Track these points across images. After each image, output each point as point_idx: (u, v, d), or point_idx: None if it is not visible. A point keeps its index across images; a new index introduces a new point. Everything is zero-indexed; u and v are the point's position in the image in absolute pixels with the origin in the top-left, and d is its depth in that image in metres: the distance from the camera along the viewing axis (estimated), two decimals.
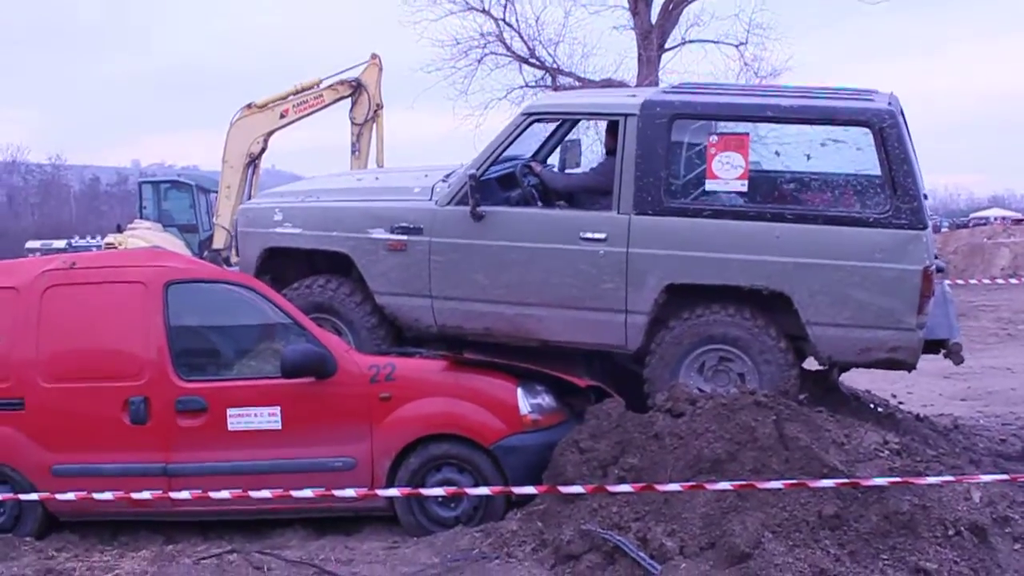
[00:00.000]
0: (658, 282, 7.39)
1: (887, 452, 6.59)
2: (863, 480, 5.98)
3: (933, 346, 7.54)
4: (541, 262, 7.60)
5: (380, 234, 7.92)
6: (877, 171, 7.21)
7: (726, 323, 7.34)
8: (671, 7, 27.93)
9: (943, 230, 48.20)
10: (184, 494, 6.61)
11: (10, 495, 7.34)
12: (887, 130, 7.09)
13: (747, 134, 7.47)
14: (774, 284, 7.21)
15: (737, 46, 28.16)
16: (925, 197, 7.40)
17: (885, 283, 7.07)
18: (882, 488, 5.91)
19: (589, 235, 7.51)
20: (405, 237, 7.86)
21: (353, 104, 18.49)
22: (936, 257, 7.55)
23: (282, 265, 8.29)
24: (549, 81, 28.51)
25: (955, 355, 7.62)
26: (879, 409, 8.03)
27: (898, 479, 5.99)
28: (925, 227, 7.12)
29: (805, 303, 7.17)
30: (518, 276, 7.66)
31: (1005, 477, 6.58)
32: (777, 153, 8.19)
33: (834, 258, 7.12)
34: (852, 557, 5.70)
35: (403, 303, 7.95)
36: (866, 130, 7.21)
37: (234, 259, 9.54)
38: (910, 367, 7.50)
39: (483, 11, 28.11)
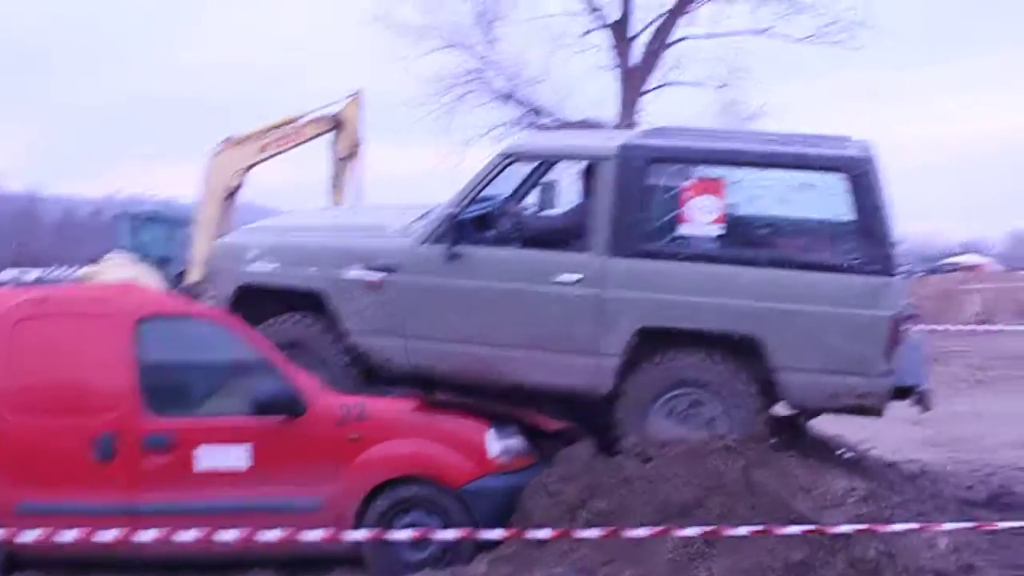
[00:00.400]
0: (631, 325, 7.36)
1: (854, 498, 6.63)
2: (830, 527, 5.98)
3: (901, 392, 7.53)
4: (515, 303, 7.57)
5: (356, 272, 7.88)
6: (850, 217, 7.23)
7: (697, 367, 7.31)
8: (653, 48, 28.01)
9: (916, 275, 48.36)
10: (150, 535, 6.53)
11: None
12: (861, 177, 7.13)
13: (723, 178, 7.47)
14: (745, 328, 7.19)
15: (717, 88, 28.28)
16: (897, 243, 7.40)
17: (855, 329, 7.07)
18: (848, 535, 5.92)
19: (564, 277, 7.48)
20: (381, 275, 7.82)
21: (335, 140, 18.46)
22: (908, 303, 7.58)
23: (256, 301, 8.21)
24: (530, 120, 28.55)
25: (923, 402, 7.63)
26: (847, 454, 8.05)
27: (864, 526, 6.01)
28: (896, 274, 7.14)
29: (775, 348, 7.15)
30: (492, 317, 7.62)
31: (971, 524, 6.60)
32: (752, 198, 8.15)
33: (805, 303, 7.12)
34: None
35: (376, 342, 7.89)
36: (841, 176, 7.23)
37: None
38: (878, 413, 7.49)
39: (466, 48, 28.24)
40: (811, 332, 7.12)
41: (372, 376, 8.06)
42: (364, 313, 7.87)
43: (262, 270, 8.16)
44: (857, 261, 7.10)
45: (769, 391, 7.34)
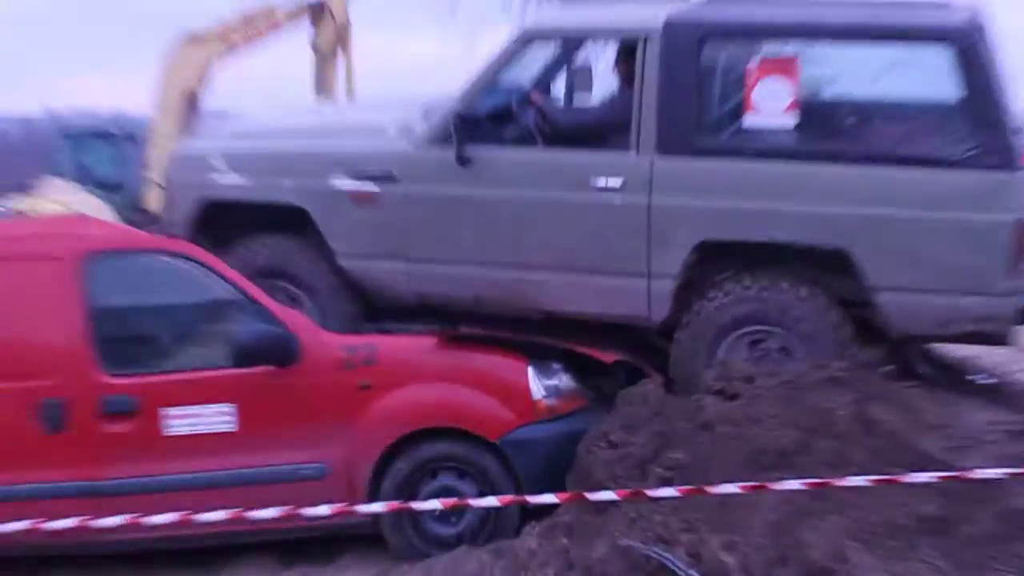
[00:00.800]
0: (688, 239, 7.39)
1: (998, 435, 6.56)
2: (971, 472, 5.87)
3: None
4: (543, 215, 7.67)
5: (344, 182, 7.93)
6: (959, 99, 7.15)
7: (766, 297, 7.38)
8: None
9: None
10: (114, 520, 6.45)
11: None
12: (971, 49, 7.03)
13: (797, 56, 7.44)
14: (833, 240, 7.19)
15: None
16: (1019, 130, 7.29)
17: (970, 237, 7.04)
18: (996, 481, 5.80)
19: (602, 182, 7.52)
20: (374, 186, 7.86)
21: (316, 29, 18.47)
22: None
23: (224, 222, 8.31)
24: None
25: None
26: (986, 380, 8.01)
27: (1016, 470, 5.86)
28: (1020, 168, 7.03)
29: (870, 264, 7.15)
30: (515, 233, 7.73)
31: None
32: (835, 79, 8.19)
33: (906, 207, 7.09)
34: (961, 569, 5.54)
35: (372, 266, 8.01)
36: (945, 49, 7.12)
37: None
38: (1003, 341, 7.46)
39: None
40: (915, 243, 7.11)
41: (371, 310, 8.19)
42: (356, 233, 7.98)
43: (231, 183, 8.23)
44: (970, 153, 7.03)
45: (867, 319, 7.34)
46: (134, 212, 18.25)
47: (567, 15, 9.36)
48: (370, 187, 7.90)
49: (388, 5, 29.41)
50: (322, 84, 18.79)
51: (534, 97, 8.20)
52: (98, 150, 25.30)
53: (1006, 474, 5.77)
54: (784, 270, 7.37)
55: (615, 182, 7.50)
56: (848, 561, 5.51)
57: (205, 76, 18.53)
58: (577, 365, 7.49)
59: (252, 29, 18.34)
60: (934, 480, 5.76)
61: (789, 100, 7.30)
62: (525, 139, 7.89)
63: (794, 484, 5.81)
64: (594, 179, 7.55)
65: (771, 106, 7.30)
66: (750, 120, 7.37)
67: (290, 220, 8.13)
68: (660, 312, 7.57)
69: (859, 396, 6.43)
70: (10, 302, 7.42)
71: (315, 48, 18.68)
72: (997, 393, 7.89)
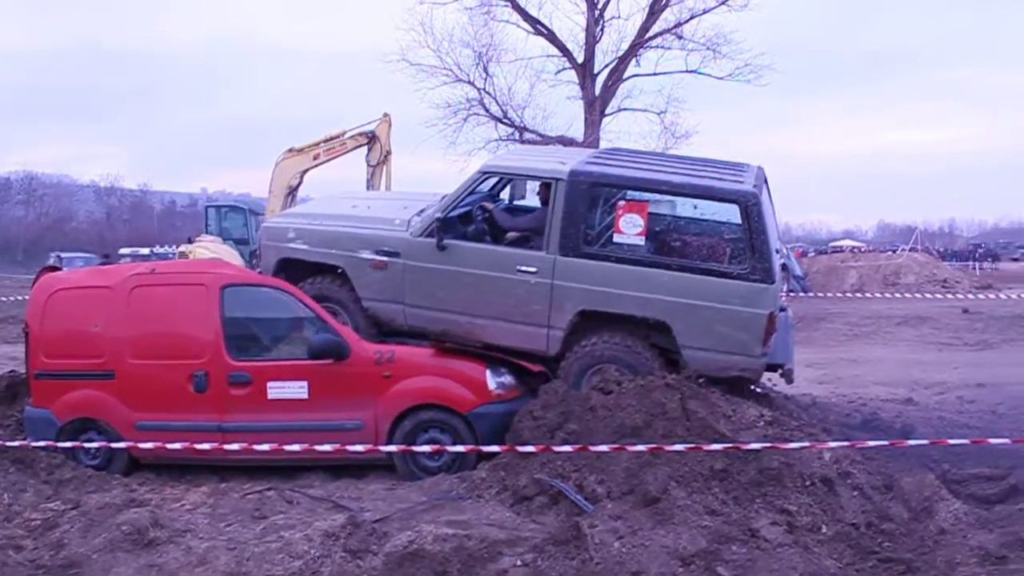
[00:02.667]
0: (574, 307, 7.31)
1: (763, 423, 6.63)
2: (744, 444, 6.00)
3: (773, 367, 7.57)
4: (487, 285, 7.48)
5: (367, 255, 7.77)
6: (741, 237, 7.16)
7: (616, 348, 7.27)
8: (610, 83, 28.25)
9: (809, 255, 48.52)
10: (234, 446, 6.57)
11: (104, 443, 7.32)
12: (750, 207, 7.02)
13: (647, 201, 7.41)
14: (659, 315, 7.14)
15: (659, 114, 28.40)
16: (778, 252, 7.32)
17: (740, 321, 7.01)
18: (758, 450, 5.94)
19: (524, 268, 7.39)
20: (386, 259, 7.71)
21: (369, 151, 18.26)
22: (787, 291, 7.47)
23: (291, 269, 8.12)
24: (517, 136, 28.53)
25: (787, 376, 7.64)
26: (758, 390, 8.01)
27: (770, 443, 6.03)
28: (774, 282, 7.05)
29: (680, 331, 7.11)
30: (469, 294, 7.52)
31: (847, 443, 6.64)
32: (668, 216, 8.24)
33: (705, 300, 7.05)
34: (735, 501, 5.74)
35: (382, 307, 7.80)
36: (735, 206, 7.14)
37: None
38: (755, 383, 7.56)
39: (468, 82, 28.30)
40: (708, 321, 7.05)
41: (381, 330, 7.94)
42: (373, 285, 7.77)
43: (298, 247, 8.04)
44: (744, 271, 7.03)
45: (675, 363, 7.24)
46: (253, 259, 18.11)
47: (511, 158, 9.14)
48: (383, 259, 7.68)
49: (415, 138, 29.34)
50: (371, 185, 18.58)
51: (487, 206, 8.08)
52: (233, 218, 25.16)
53: (763, 447, 5.94)
54: (628, 330, 7.28)
55: (532, 269, 7.34)
56: (670, 493, 5.66)
57: (299, 176, 18.34)
58: (517, 370, 7.46)
59: (330, 148, 18.11)
60: (722, 449, 5.90)
61: (641, 228, 7.24)
62: (479, 236, 7.76)
63: (640, 447, 5.93)
64: (519, 265, 7.38)
65: (630, 230, 7.24)
66: (616, 238, 7.28)
67: (333, 271, 7.95)
68: (555, 348, 7.39)
69: (683, 395, 6.45)
70: (177, 311, 7.55)
71: (368, 162, 18.30)
72: (764, 398, 7.97)
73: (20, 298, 20.96)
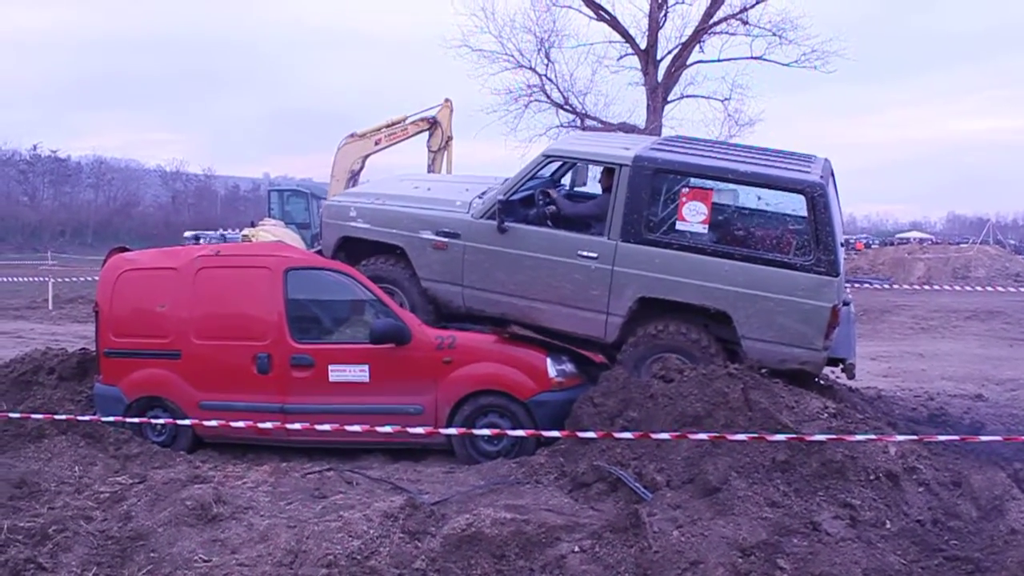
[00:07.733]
0: (634, 294, 7.28)
1: (826, 415, 6.52)
2: (807, 435, 5.91)
3: (834, 361, 7.42)
4: (547, 269, 7.49)
5: (428, 235, 7.83)
6: (806, 228, 7.07)
7: (675, 336, 7.24)
8: (673, 69, 27.81)
9: (874, 246, 47.58)
10: (296, 426, 6.66)
11: (170, 420, 7.46)
12: (817, 198, 6.93)
13: (711, 189, 7.32)
14: (720, 304, 7.10)
15: (723, 100, 27.95)
16: (843, 245, 7.19)
17: (803, 314, 6.94)
18: (821, 442, 5.84)
19: (585, 253, 7.39)
20: (447, 239, 7.76)
21: (430, 136, 18.29)
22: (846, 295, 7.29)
23: (352, 249, 8.20)
24: (579, 123, 28.37)
25: (848, 371, 7.48)
26: (821, 382, 7.89)
27: (834, 436, 5.92)
28: (838, 274, 6.96)
29: (741, 321, 7.06)
30: (529, 277, 7.54)
31: (914, 437, 6.50)
32: (732, 205, 8.08)
33: (767, 291, 7.00)
34: (797, 493, 5.65)
35: (441, 288, 7.85)
36: (801, 196, 7.05)
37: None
38: (815, 377, 7.42)
39: (530, 68, 28.07)
40: (770, 313, 6.99)
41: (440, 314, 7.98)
42: (433, 266, 7.81)
43: (360, 226, 8.11)
44: (808, 262, 6.95)
45: (734, 354, 7.19)
46: (315, 243, 18.30)
47: (574, 143, 9.02)
48: (444, 239, 7.74)
49: (475, 125, 29.43)
50: (432, 171, 18.59)
51: (549, 191, 8.07)
52: (295, 202, 25.42)
53: (827, 439, 5.83)
54: (688, 319, 7.26)
55: (593, 254, 7.35)
56: (730, 483, 5.60)
57: (361, 161, 18.45)
58: (577, 359, 7.46)
59: (392, 133, 18.18)
60: (785, 439, 5.81)
61: (704, 216, 7.19)
62: (540, 220, 7.76)
63: (702, 436, 5.87)
64: (580, 250, 7.39)
65: (693, 218, 7.19)
66: (679, 225, 7.25)
67: (393, 251, 8.02)
68: (612, 335, 7.40)
69: (745, 385, 6.39)
70: (242, 293, 7.65)
71: (429, 148, 18.31)
72: (829, 390, 7.87)
73: (91, 279, 21.52)
